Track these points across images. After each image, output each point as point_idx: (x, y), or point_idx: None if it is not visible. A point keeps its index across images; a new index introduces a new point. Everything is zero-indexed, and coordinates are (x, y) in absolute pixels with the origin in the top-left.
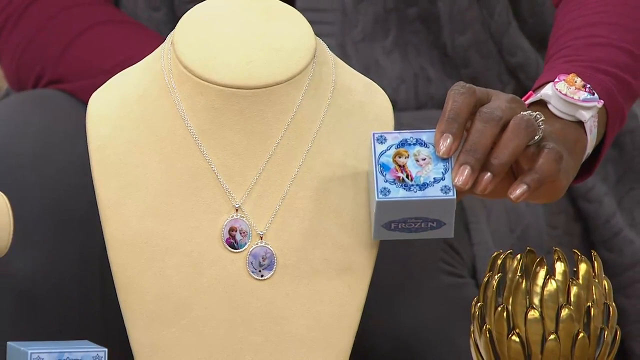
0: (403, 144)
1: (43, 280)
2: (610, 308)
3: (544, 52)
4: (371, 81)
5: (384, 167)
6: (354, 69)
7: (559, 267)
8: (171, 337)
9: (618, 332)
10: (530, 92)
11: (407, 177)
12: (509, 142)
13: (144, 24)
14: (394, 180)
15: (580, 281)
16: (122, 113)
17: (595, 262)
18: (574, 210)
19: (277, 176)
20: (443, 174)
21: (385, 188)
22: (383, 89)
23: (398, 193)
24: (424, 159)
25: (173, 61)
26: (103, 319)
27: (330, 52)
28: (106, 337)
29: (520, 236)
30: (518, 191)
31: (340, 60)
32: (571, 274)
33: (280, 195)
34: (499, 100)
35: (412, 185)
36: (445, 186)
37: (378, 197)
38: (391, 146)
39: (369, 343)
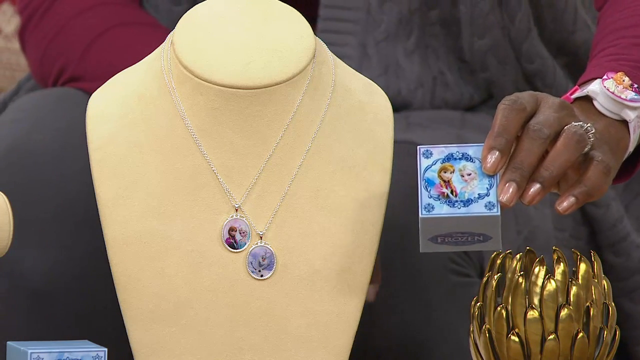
0: (449, 158)
1: (56, 280)
2: (610, 308)
3: (561, 59)
4: (371, 81)
5: (429, 183)
6: (374, 68)
7: (559, 267)
8: (171, 336)
9: (617, 332)
10: (576, 86)
11: (452, 192)
12: (560, 155)
13: (164, 17)
14: (438, 196)
15: (580, 281)
16: (122, 113)
17: (595, 262)
18: (581, 214)
19: (277, 176)
20: (488, 190)
21: (429, 204)
22: (399, 90)
23: (442, 209)
24: (469, 174)
25: (173, 61)
26: (105, 319)
27: (330, 52)
28: (106, 336)
29: (528, 238)
30: (565, 204)
31: (340, 60)
32: (570, 274)
33: (280, 195)
34: (548, 111)
35: (456, 201)
36: (489, 202)
37: (422, 214)
38: (437, 161)
39: (376, 342)
